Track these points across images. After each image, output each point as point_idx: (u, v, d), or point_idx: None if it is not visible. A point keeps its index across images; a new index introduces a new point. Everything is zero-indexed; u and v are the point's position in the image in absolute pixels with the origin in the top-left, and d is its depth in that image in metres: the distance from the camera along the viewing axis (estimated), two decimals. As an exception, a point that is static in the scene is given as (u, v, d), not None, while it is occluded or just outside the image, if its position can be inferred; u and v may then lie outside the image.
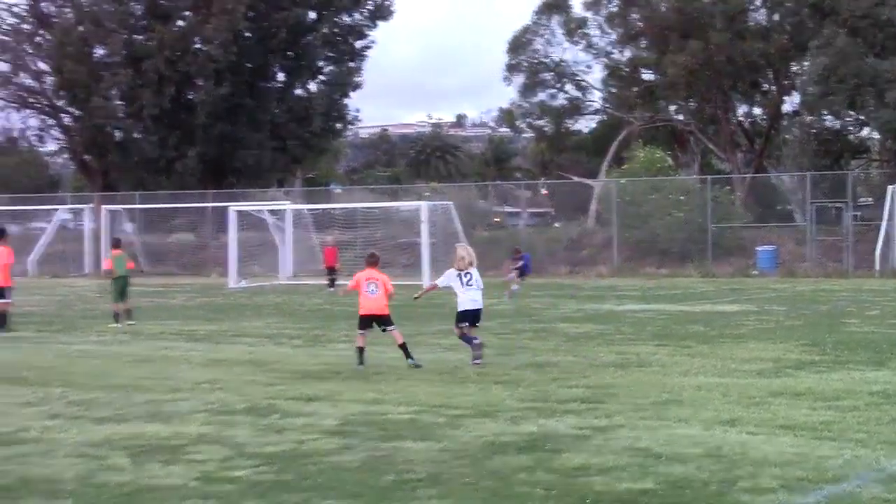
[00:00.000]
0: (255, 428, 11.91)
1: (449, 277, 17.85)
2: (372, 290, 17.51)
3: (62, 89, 65.38)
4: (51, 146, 73.12)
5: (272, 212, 48.73)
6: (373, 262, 18.12)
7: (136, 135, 64.38)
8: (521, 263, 35.19)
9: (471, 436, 11.31)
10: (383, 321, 17.50)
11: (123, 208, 54.40)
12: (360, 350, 17.28)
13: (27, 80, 67.13)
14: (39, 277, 51.25)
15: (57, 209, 56.74)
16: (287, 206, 49.39)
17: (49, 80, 66.21)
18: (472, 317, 17.71)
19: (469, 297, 17.61)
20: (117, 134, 65.67)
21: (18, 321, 24.90)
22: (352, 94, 69.56)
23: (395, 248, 44.65)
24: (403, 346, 17.23)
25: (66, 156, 72.00)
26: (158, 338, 22.43)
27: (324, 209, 51.36)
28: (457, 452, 10.48)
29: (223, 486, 9.21)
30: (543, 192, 60.38)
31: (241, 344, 21.43)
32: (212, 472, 9.77)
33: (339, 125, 70.72)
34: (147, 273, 47.51)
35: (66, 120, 67.77)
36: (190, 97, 61.77)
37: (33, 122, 70.16)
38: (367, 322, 17.48)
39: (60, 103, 67.07)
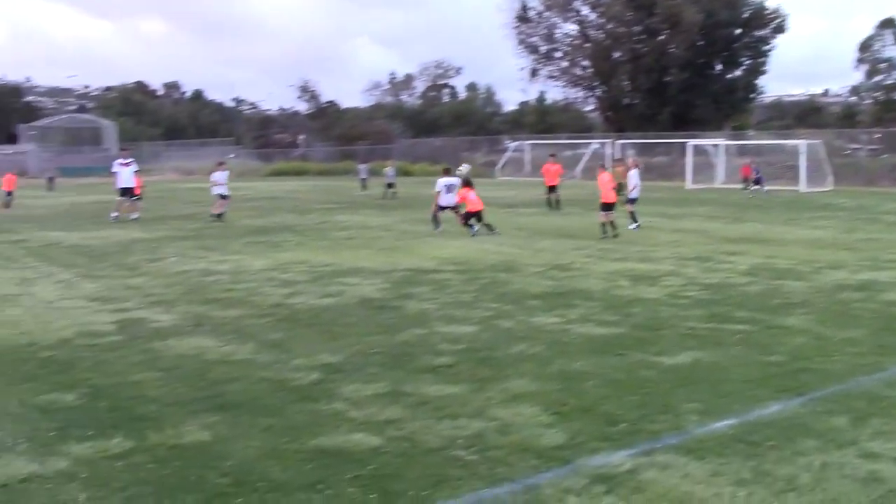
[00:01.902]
0: (699, 268, 11.80)
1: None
2: (473, 197, 16.82)
3: (596, 76, 65.47)
4: (589, 107, 73.45)
5: (713, 145, 46.31)
6: (468, 184, 17.44)
7: (635, 101, 63.55)
8: (756, 176, 34.14)
9: (827, 279, 10.61)
10: (479, 215, 16.70)
11: (628, 142, 53.58)
12: (470, 224, 16.63)
13: (577, 71, 67.60)
14: (582, 181, 52.12)
15: (590, 142, 56.82)
16: (721, 141, 46.63)
17: (588, 70, 66.40)
18: (479, 214, 16.89)
19: (478, 202, 16.94)
20: (625, 101, 65.09)
21: (566, 205, 25.41)
22: (760, 77, 64.04)
23: (783, 169, 40.63)
24: (466, 222, 16.72)
25: (597, 113, 71.83)
26: (645, 215, 20.78)
27: (741, 144, 47.94)
28: (817, 289, 9.89)
29: (680, 301, 9.35)
30: (877, 136, 52.30)
31: (694, 219, 20.88)
32: (675, 292, 9.90)
33: (751, 95, 65.47)
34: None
35: (598, 93, 67.85)
36: (666, 80, 59.55)
37: (580, 94, 70.80)
38: (471, 216, 16.69)
39: (595, 84, 67.21)
